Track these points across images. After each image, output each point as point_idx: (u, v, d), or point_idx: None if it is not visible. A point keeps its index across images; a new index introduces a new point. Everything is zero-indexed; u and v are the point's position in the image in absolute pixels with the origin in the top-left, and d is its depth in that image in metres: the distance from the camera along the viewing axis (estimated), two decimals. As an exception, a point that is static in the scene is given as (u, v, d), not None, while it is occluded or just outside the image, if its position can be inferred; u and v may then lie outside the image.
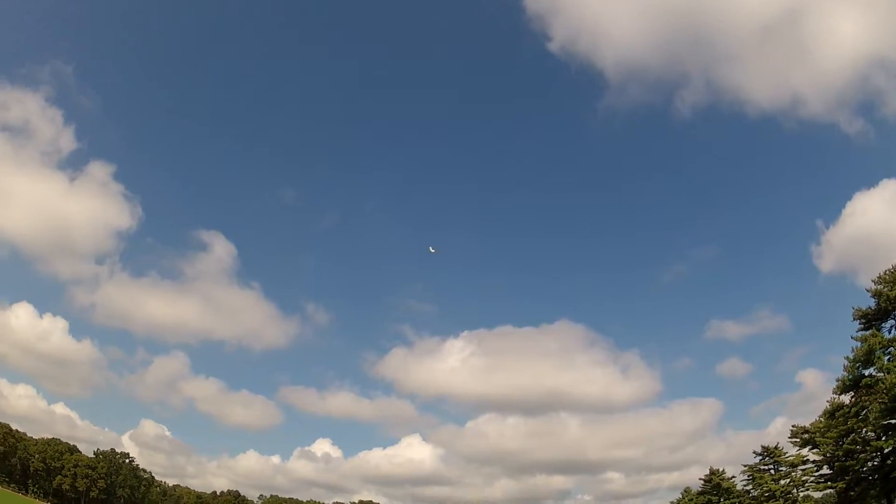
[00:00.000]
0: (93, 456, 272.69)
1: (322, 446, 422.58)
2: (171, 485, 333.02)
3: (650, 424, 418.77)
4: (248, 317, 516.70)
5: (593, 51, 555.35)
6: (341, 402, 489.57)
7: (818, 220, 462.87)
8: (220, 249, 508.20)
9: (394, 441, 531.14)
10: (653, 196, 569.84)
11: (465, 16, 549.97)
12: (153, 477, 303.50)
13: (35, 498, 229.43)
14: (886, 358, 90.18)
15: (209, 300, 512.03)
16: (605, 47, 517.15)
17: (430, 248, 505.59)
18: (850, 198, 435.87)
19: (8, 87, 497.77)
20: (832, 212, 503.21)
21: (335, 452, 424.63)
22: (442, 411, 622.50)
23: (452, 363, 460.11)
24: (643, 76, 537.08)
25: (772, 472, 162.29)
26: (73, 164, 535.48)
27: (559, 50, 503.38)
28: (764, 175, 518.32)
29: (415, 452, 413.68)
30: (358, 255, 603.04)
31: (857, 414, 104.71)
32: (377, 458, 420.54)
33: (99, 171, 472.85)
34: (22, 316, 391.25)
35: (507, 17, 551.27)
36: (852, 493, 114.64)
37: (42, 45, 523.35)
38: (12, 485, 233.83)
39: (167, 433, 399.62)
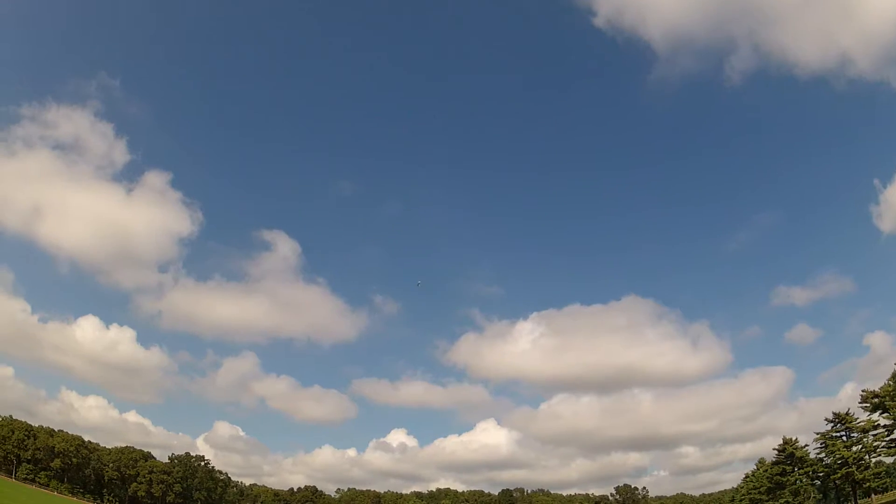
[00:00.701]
0: (167, 461, 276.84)
1: (397, 436, 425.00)
2: (247, 484, 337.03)
3: (722, 396, 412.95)
4: (316, 312, 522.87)
5: (639, 23, 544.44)
6: (414, 391, 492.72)
7: (875, 179, 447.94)
8: (284, 247, 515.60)
9: (469, 427, 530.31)
10: (710, 165, 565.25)
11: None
12: (229, 478, 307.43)
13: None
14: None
15: (276, 299, 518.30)
16: (651, 18, 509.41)
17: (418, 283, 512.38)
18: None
19: (55, 106, 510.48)
20: (888, 170, 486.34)
21: (410, 442, 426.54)
22: (515, 394, 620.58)
23: (523, 345, 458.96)
24: (691, 45, 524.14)
25: (844, 438, 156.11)
26: (128, 176, 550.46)
27: (605, 24, 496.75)
28: (817, 136, 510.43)
29: (490, 437, 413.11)
30: (421, 242, 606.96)
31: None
32: (453, 445, 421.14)
33: (155, 179, 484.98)
34: (88, 329, 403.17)
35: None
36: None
37: (86, 61, 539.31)
38: (87, 495, 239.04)
39: (241, 433, 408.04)
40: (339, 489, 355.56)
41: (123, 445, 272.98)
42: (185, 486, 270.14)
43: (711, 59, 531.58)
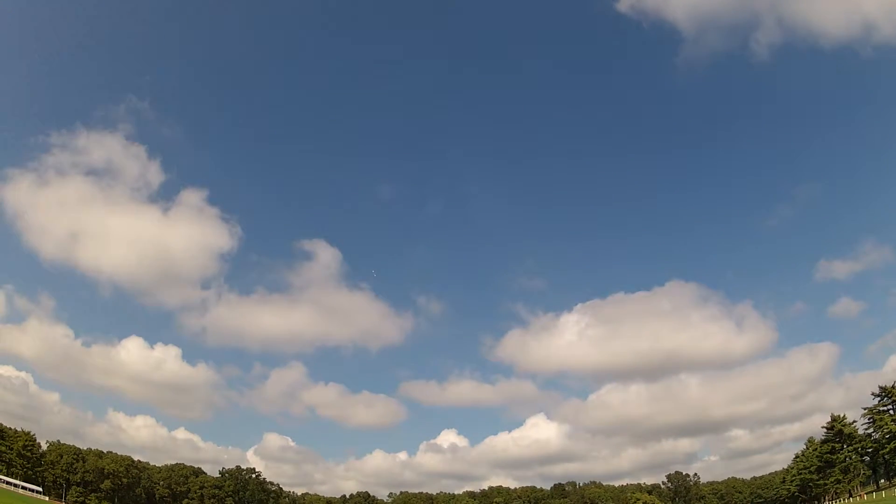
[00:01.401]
0: (218, 475, 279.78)
1: (448, 437, 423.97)
2: (300, 493, 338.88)
3: (769, 375, 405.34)
4: (362, 318, 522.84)
5: (662, 5, 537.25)
6: (463, 390, 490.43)
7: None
8: (325, 255, 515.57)
9: (519, 423, 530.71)
10: (744, 142, 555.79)
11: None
12: (281, 488, 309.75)
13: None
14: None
15: (320, 307, 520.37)
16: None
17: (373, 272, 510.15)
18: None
19: (85, 132, 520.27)
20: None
21: (461, 442, 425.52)
22: (563, 387, 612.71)
23: (569, 337, 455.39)
24: (716, 23, 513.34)
25: (891, 412, 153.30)
26: (164, 196, 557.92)
27: (629, 9, 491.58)
28: (847, 105, 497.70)
29: (540, 432, 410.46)
30: (463, 239, 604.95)
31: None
32: (504, 442, 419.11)
33: (192, 197, 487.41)
34: (132, 349, 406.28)
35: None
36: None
37: (114, 84, 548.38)
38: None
39: (291, 443, 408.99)
40: (391, 493, 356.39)
41: (173, 463, 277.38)
42: (236, 499, 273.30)
43: (737, 35, 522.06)
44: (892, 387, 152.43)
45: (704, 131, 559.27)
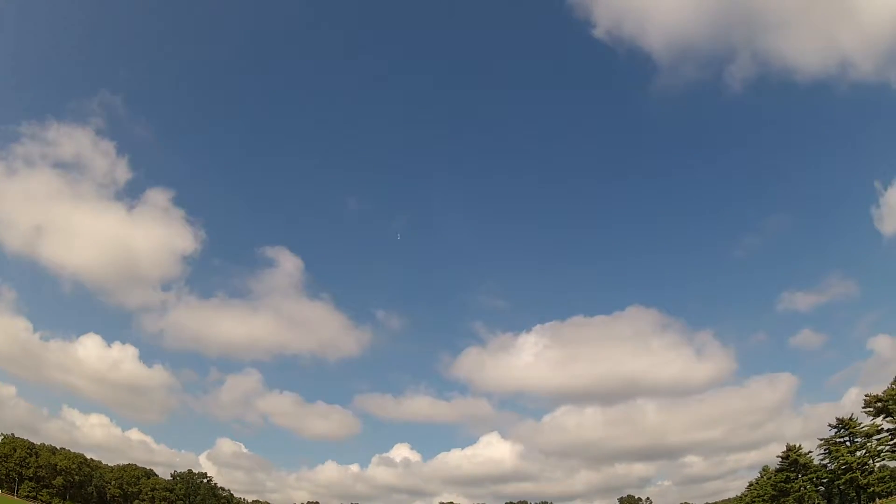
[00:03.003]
0: (170, 478, 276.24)
1: (401, 451, 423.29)
2: (250, 500, 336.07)
3: (728, 404, 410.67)
4: (320, 328, 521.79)
5: (639, 33, 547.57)
6: (418, 405, 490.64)
7: (875, 181, 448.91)
8: (288, 264, 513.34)
9: (473, 440, 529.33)
10: (713, 172, 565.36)
11: (507, 8, 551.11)
12: (232, 494, 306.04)
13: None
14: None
15: (279, 315, 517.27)
16: (651, 28, 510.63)
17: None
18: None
19: (55, 124, 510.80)
20: (890, 172, 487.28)
21: (414, 457, 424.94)
22: (519, 407, 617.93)
23: (527, 358, 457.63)
24: (692, 54, 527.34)
25: (847, 443, 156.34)
26: (130, 194, 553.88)
27: (605, 35, 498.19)
28: (819, 140, 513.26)
29: (494, 451, 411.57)
30: (427, 257, 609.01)
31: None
32: (457, 459, 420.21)
33: (158, 197, 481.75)
34: (90, 347, 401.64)
35: (548, 6, 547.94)
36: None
37: (88, 78, 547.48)
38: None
39: (244, 450, 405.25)
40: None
41: (126, 463, 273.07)
42: (187, 502, 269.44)
43: (712, 67, 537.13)
44: (850, 419, 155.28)
45: (674, 160, 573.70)
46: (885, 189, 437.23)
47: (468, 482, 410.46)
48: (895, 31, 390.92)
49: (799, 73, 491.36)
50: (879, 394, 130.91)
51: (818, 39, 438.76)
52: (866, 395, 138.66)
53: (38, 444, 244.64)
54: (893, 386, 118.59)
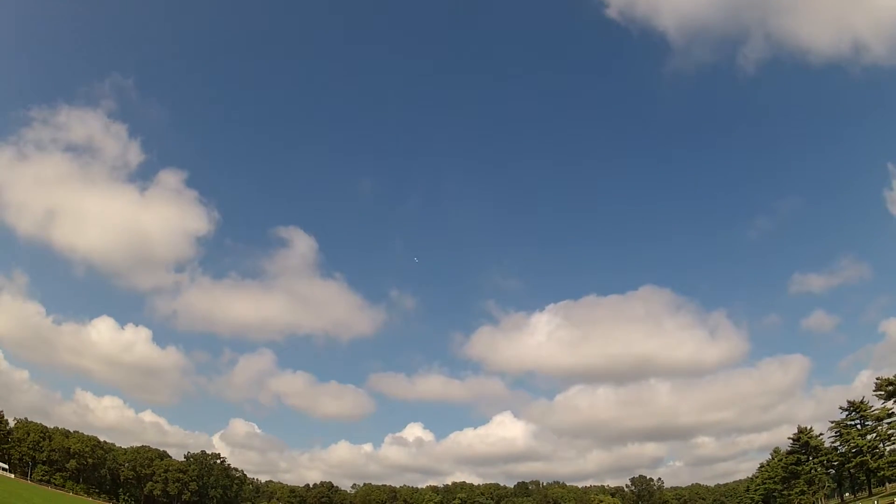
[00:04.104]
0: (183, 460, 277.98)
1: (414, 431, 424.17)
2: (263, 481, 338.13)
3: (740, 385, 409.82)
4: (334, 308, 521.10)
5: (652, 14, 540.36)
6: (431, 385, 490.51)
7: (889, 163, 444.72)
8: (301, 244, 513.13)
9: (485, 420, 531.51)
10: (727, 154, 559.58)
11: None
12: (245, 475, 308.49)
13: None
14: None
15: (293, 295, 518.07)
16: (664, 9, 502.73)
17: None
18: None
19: (66, 108, 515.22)
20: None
21: (427, 436, 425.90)
22: (532, 386, 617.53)
23: (539, 337, 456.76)
24: (705, 36, 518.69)
25: (858, 427, 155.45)
26: (143, 176, 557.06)
27: (618, 16, 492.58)
28: (832, 122, 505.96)
29: (507, 430, 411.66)
30: (440, 236, 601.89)
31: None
32: (469, 439, 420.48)
33: (170, 179, 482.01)
34: (103, 330, 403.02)
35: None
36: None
37: (99, 61, 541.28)
38: (103, 495, 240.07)
39: (258, 430, 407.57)
40: (354, 484, 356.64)
41: (139, 445, 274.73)
42: (200, 484, 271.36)
43: (725, 49, 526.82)
44: (861, 402, 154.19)
45: (688, 141, 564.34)
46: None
47: (480, 462, 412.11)
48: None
49: (812, 55, 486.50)
50: (891, 377, 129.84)
51: (831, 21, 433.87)
52: (878, 379, 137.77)
53: (52, 427, 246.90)
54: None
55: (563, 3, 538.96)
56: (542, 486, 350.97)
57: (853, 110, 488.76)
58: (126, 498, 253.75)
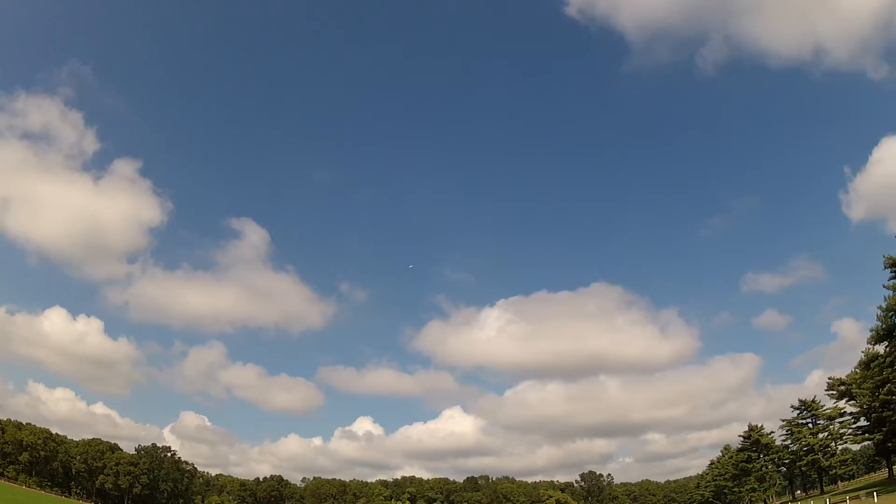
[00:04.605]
0: (134, 453, 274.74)
1: (363, 425, 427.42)
2: (214, 474, 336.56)
3: (690, 382, 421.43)
4: (285, 301, 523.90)
5: (612, 13, 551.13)
6: (381, 378, 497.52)
7: (845, 166, 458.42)
8: (253, 236, 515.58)
9: (435, 414, 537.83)
10: (682, 153, 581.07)
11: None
12: (195, 468, 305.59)
13: (78, 499, 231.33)
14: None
15: (244, 287, 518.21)
16: (625, 8, 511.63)
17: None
18: (876, 143, 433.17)
19: (24, 95, 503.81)
20: (859, 158, 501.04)
21: (377, 430, 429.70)
22: (481, 381, 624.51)
23: (489, 332, 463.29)
24: (665, 35, 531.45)
25: (810, 425, 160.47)
26: (97, 165, 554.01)
27: (578, 14, 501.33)
28: (791, 125, 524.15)
29: (456, 425, 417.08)
30: (393, 228, 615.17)
31: (892, 364, 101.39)
32: (419, 433, 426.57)
33: (125, 168, 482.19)
34: (56, 320, 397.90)
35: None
36: (890, 445, 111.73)
37: (58, 47, 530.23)
38: (55, 488, 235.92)
39: (208, 423, 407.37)
40: (304, 478, 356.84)
41: (90, 438, 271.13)
42: (151, 477, 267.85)
43: (685, 50, 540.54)
44: (812, 401, 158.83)
45: (644, 139, 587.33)
46: (854, 175, 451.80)
47: (430, 456, 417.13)
48: (872, 19, 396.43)
49: (772, 58, 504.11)
50: (843, 377, 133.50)
51: (794, 25, 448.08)
52: (830, 378, 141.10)
53: (4, 419, 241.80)
54: (857, 370, 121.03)
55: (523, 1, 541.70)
56: (492, 481, 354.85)
57: (812, 114, 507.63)
58: (78, 491, 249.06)
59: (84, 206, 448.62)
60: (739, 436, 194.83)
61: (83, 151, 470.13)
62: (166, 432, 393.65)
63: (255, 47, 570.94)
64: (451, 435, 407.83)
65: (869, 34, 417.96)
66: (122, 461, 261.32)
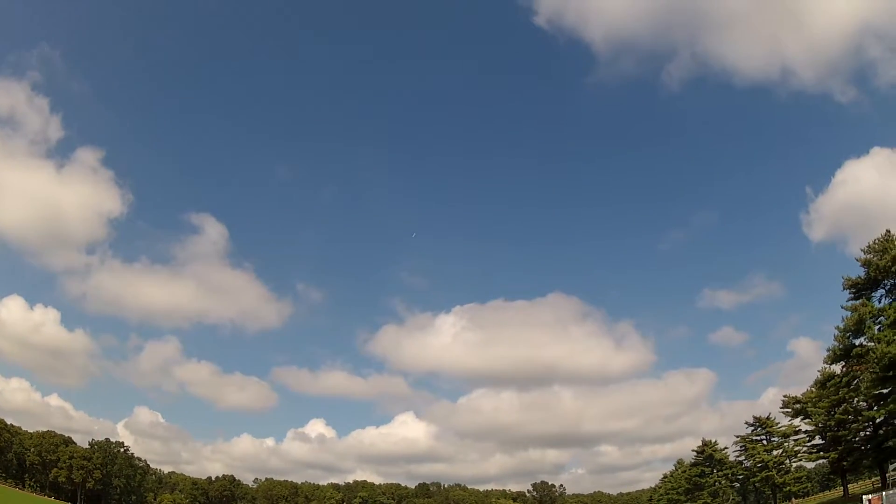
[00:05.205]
0: (87, 447, 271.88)
1: (316, 427, 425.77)
2: (166, 472, 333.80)
3: (644, 395, 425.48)
4: (241, 298, 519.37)
5: (581, 24, 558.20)
6: (334, 380, 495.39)
7: (807, 187, 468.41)
8: (212, 231, 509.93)
9: (388, 419, 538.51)
10: (645, 165, 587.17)
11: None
12: (148, 465, 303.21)
13: (32, 492, 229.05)
14: (877, 327, 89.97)
15: (201, 283, 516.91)
16: (593, 20, 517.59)
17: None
18: (840, 166, 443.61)
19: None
20: (822, 179, 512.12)
21: (329, 433, 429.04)
22: (435, 387, 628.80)
23: (444, 339, 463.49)
24: (632, 49, 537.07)
25: (764, 442, 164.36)
26: (60, 153, 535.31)
27: (546, 23, 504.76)
28: (753, 143, 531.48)
29: (409, 430, 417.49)
30: (352, 229, 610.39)
31: (848, 384, 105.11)
32: (371, 437, 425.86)
33: (88, 157, 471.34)
34: (13, 309, 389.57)
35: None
36: (845, 463, 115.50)
37: (29, 30, 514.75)
38: (9, 480, 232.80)
39: (161, 420, 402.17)
40: (256, 479, 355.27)
41: (45, 430, 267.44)
42: (104, 472, 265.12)
43: (651, 63, 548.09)
44: (767, 418, 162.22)
45: (606, 150, 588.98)
46: (816, 196, 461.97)
47: (382, 460, 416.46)
48: (840, 41, 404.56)
49: (738, 77, 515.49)
50: (799, 396, 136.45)
51: (761, 45, 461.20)
52: (785, 396, 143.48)
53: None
54: (813, 388, 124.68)
55: (493, 6, 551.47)
56: (444, 488, 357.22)
57: (777, 133, 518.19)
58: (32, 483, 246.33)
59: (46, 194, 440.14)
60: (693, 450, 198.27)
61: (47, 138, 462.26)
62: (120, 427, 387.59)
63: (222, 43, 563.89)
64: (403, 440, 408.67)
65: (837, 57, 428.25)
66: (75, 455, 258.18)
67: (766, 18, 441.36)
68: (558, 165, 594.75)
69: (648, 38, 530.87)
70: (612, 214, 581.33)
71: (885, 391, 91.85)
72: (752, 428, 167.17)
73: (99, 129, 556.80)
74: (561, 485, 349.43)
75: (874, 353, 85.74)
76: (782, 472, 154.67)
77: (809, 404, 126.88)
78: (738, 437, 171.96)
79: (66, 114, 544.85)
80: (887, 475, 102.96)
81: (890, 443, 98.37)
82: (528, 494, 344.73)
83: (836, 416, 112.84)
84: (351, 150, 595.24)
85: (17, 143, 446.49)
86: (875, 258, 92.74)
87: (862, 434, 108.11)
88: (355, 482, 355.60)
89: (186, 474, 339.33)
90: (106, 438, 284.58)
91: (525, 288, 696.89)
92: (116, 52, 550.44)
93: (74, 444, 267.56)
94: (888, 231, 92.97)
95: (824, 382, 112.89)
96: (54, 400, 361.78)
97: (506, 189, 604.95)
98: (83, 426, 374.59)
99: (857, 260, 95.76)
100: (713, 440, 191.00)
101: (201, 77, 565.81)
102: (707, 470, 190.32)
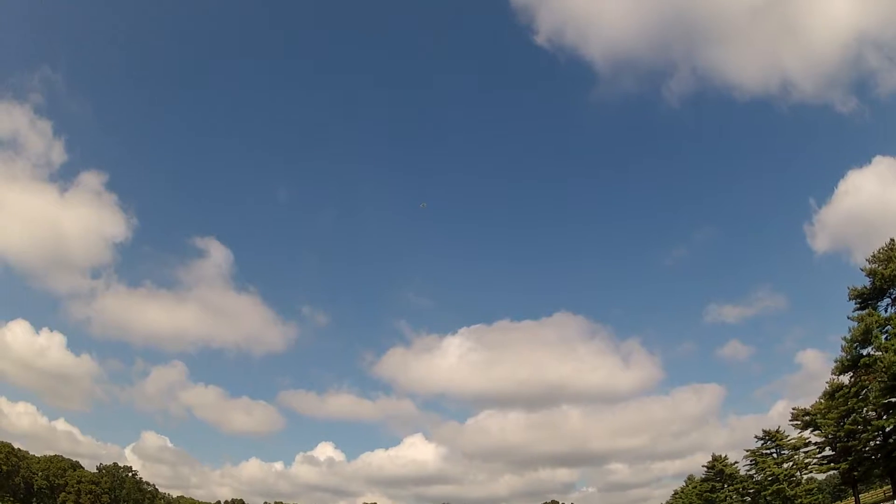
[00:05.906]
0: (96, 471, 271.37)
1: (324, 450, 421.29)
2: (174, 496, 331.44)
3: (653, 412, 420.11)
4: (247, 322, 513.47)
5: (581, 43, 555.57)
6: (342, 403, 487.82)
7: (810, 198, 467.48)
8: (217, 255, 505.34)
9: (396, 441, 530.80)
10: (647, 182, 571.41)
11: (449, 11, 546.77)
12: (157, 489, 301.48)
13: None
14: (884, 337, 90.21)
15: (206, 307, 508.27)
16: (593, 39, 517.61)
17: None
18: (843, 176, 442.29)
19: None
20: (825, 190, 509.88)
21: (338, 456, 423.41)
22: (443, 409, 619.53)
23: (451, 360, 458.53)
24: (632, 66, 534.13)
25: (774, 455, 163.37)
26: (64, 176, 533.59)
27: (546, 42, 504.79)
28: (755, 157, 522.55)
29: (417, 452, 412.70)
30: (355, 251, 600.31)
31: (856, 394, 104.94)
32: (380, 460, 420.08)
33: (92, 180, 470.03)
34: (19, 333, 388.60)
35: (491, 10, 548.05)
36: (856, 474, 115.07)
37: (31, 53, 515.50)
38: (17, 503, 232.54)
39: (169, 444, 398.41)
40: (265, 502, 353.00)
41: (52, 454, 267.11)
42: (112, 497, 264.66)
43: (651, 80, 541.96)
44: (777, 431, 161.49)
45: (608, 168, 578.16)
46: (819, 207, 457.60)
47: (391, 483, 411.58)
48: (839, 51, 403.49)
49: (738, 91, 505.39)
50: (807, 408, 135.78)
51: (761, 59, 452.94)
52: (794, 409, 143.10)
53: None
54: (821, 400, 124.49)
55: (493, 26, 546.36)
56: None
57: (779, 146, 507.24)
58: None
59: (50, 218, 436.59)
60: (703, 466, 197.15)
61: (50, 162, 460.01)
62: (128, 451, 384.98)
63: (223, 66, 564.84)
64: (412, 462, 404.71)
65: (837, 68, 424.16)
66: (83, 479, 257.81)
67: (765, 32, 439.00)
68: (560, 183, 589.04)
69: (648, 55, 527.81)
70: (616, 232, 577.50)
71: (893, 400, 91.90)
72: (762, 441, 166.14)
73: (102, 152, 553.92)
74: (572, 503, 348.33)
75: (882, 362, 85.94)
76: (793, 484, 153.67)
77: (818, 416, 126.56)
78: (748, 451, 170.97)
79: (70, 137, 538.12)
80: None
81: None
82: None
83: (845, 426, 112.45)
84: (351, 170, 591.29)
85: (21, 167, 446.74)
86: (880, 267, 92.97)
87: (872, 444, 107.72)
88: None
89: (195, 498, 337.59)
90: (114, 463, 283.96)
91: (531, 308, 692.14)
92: (118, 75, 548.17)
93: (82, 468, 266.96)
94: (892, 240, 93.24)
95: (833, 393, 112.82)
96: (61, 424, 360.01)
97: (509, 209, 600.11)
98: (90, 451, 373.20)
99: (862, 270, 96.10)
100: (723, 455, 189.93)
101: (202, 100, 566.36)
102: (718, 485, 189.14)
